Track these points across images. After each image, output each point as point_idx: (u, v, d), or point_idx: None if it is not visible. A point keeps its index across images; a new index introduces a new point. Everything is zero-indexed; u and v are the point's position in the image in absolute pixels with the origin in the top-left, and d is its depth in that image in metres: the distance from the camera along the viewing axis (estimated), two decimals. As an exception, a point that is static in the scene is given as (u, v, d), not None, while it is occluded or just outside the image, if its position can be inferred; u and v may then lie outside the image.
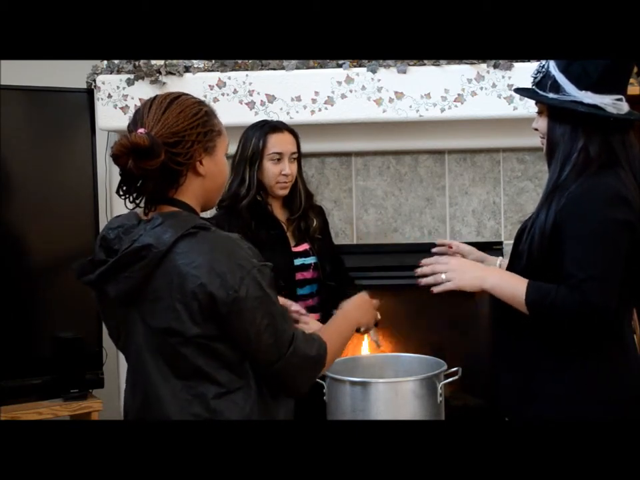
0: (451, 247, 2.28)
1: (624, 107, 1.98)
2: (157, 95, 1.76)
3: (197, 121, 1.72)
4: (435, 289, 2.04)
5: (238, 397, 1.71)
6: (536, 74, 2.03)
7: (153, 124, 1.69)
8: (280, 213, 2.80)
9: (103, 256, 1.72)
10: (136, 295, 1.70)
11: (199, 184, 1.76)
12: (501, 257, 2.31)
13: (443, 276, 2.03)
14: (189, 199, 1.75)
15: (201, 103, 1.77)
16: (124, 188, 1.71)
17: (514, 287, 1.96)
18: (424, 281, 2.06)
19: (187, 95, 1.78)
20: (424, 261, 2.09)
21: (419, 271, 2.07)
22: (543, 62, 2.02)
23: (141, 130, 1.67)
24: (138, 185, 1.70)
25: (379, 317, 2.22)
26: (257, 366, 1.73)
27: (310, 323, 2.29)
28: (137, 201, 1.73)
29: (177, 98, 1.74)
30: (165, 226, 1.68)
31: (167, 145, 1.67)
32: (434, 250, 2.28)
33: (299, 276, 2.76)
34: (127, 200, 1.72)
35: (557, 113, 1.99)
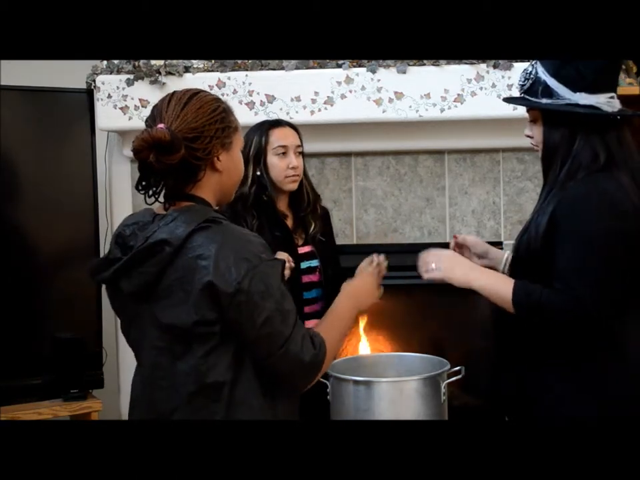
0: (456, 237, 2.28)
1: (617, 105, 1.98)
2: (175, 91, 1.78)
3: (215, 117, 1.74)
4: (425, 275, 2.10)
5: (241, 391, 1.71)
6: (524, 81, 2.00)
7: (172, 119, 1.70)
8: (287, 212, 2.74)
9: (119, 253, 1.73)
10: (149, 291, 1.71)
11: (216, 179, 1.78)
12: (508, 251, 2.26)
13: (433, 265, 2.07)
14: (205, 194, 1.77)
15: (218, 99, 1.79)
16: (143, 183, 1.72)
17: (501, 288, 1.96)
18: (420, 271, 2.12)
19: (205, 91, 1.80)
20: (420, 255, 2.14)
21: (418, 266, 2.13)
22: (529, 68, 1.99)
23: (161, 125, 1.68)
24: (158, 179, 1.72)
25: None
26: (255, 359, 1.73)
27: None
28: (157, 197, 1.74)
29: (195, 94, 1.76)
30: (178, 221, 1.69)
31: (186, 140, 1.69)
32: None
33: (305, 279, 2.70)
34: (146, 195, 1.74)
35: (552, 117, 1.98)
